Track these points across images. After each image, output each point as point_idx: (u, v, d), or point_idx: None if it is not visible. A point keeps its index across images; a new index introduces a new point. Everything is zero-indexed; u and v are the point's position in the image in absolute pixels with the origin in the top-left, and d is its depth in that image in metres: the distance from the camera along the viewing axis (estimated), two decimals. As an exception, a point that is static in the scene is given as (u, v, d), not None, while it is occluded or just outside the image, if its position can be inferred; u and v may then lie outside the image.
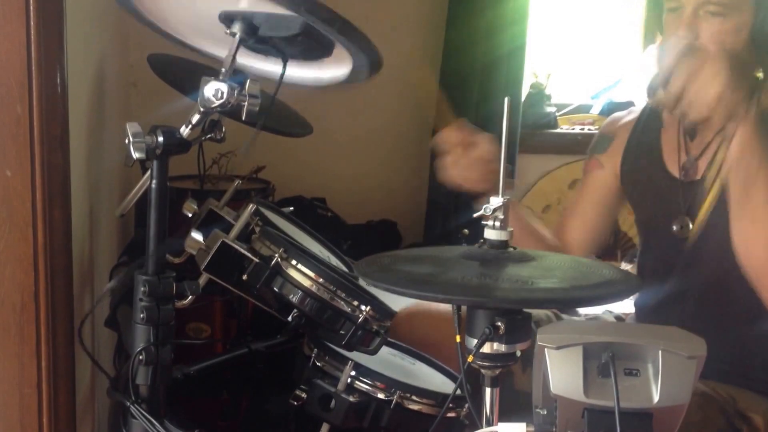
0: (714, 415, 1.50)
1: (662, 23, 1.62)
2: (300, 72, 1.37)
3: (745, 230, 1.42)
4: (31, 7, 1.18)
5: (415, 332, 1.64)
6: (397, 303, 1.68)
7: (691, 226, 1.60)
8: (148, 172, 1.30)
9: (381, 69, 1.24)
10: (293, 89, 1.42)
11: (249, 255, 1.33)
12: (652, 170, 1.70)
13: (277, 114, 1.72)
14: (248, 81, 1.24)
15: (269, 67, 1.35)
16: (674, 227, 1.62)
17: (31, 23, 1.19)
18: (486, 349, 1.10)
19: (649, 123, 1.74)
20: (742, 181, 1.41)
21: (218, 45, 1.39)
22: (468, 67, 2.65)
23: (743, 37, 1.51)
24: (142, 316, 1.27)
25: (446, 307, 1.71)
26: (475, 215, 1.15)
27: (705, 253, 1.60)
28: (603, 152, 1.81)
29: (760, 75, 1.60)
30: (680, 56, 1.50)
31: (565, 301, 1.15)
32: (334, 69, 1.31)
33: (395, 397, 1.38)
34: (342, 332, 1.34)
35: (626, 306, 2.16)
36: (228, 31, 1.23)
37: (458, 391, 1.13)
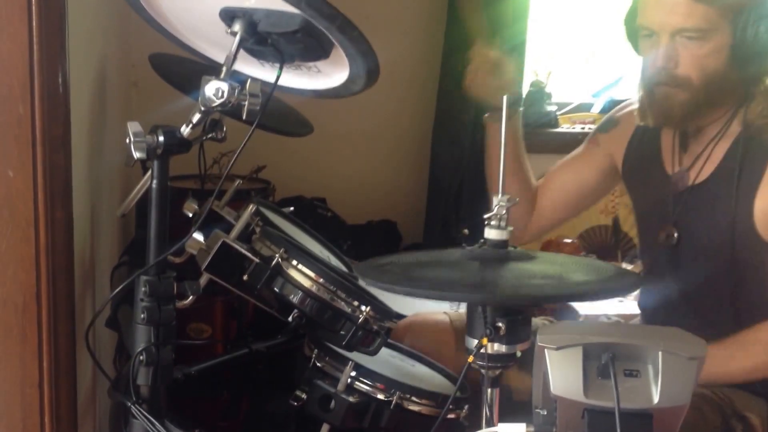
0: (711, 414, 1.50)
1: (638, 46, 1.61)
2: (296, 82, 1.37)
3: None
4: (33, 8, 1.18)
5: (414, 343, 1.65)
6: (404, 307, 1.69)
7: (676, 235, 1.60)
8: (149, 172, 1.31)
9: (377, 78, 1.23)
10: (293, 89, 1.42)
11: (249, 255, 1.33)
12: (652, 168, 1.70)
13: (278, 114, 1.72)
14: (249, 80, 1.24)
15: (265, 74, 1.35)
16: (661, 235, 1.62)
17: (33, 23, 1.19)
18: (487, 349, 1.11)
19: None
20: None
21: (215, 46, 1.39)
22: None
23: (724, 57, 1.49)
24: (143, 316, 1.27)
25: (443, 317, 1.73)
26: (485, 216, 1.16)
27: (689, 261, 1.60)
28: (604, 132, 1.82)
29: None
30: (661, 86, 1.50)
31: (605, 292, 1.19)
32: (330, 77, 1.32)
33: (395, 397, 1.38)
34: (342, 333, 1.35)
35: (625, 308, 2.17)
36: (228, 30, 1.23)
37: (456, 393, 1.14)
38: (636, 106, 1.73)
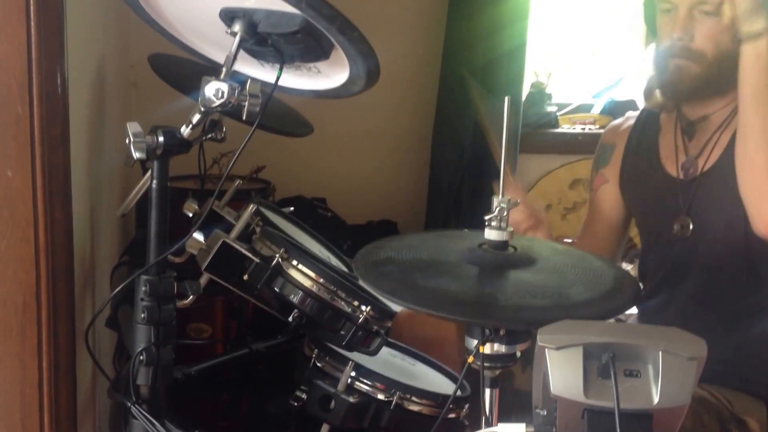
0: (709, 422, 1.50)
1: (655, 25, 1.62)
2: (296, 82, 1.37)
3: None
4: (32, 8, 1.18)
5: (416, 331, 1.65)
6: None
7: (691, 225, 1.61)
8: (149, 172, 1.31)
9: (377, 79, 1.23)
10: (293, 89, 1.42)
11: (250, 255, 1.33)
12: (651, 172, 1.70)
13: (278, 114, 1.72)
14: (249, 81, 1.24)
15: (265, 75, 1.35)
16: (674, 227, 1.62)
17: (32, 24, 1.19)
18: (486, 349, 1.11)
19: (646, 127, 1.74)
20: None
21: (215, 47, 1.39)
22: (468, 66, 2.65)
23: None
24: (143, 316, 1.27)
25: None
26: (487, 217, 1.15)
27: (703, 249, 1.60)
28: (607, 164, 1.80)
29: None
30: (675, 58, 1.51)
31: (605, 314, 1.15)
32: (330, 78, 1.32)
33: (395, 397, 1.38)
34: (342, 333, 1.35)
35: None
36: (228, 31, 1.23)
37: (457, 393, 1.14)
38: (629, 120, 1.74)
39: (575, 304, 1.10)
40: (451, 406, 1.40)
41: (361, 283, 1.36)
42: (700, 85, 1.56)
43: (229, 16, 1.23)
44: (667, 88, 1.60)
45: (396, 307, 1.43)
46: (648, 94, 1.64)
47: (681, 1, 1.53)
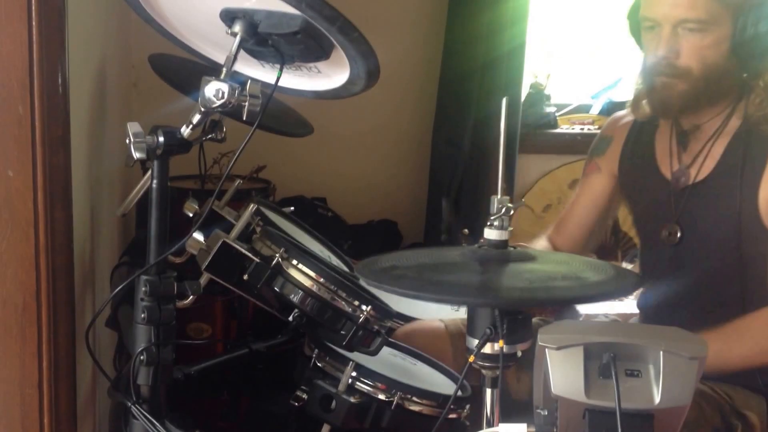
0: (710, 413, 1.51)
1: (641, 39, 1.62)
2: (296, 82, 1.37)
3: None
4: (33, 8, 1.18)
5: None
6: (405, 307, 1.69)
7: (679, 233, 1.61)
8: (149, 172, 1.31)
9: (377, 79, 1.23)
10: (294, 89, 1.41)
11: (250, 255, 1.33)
12: (647, 172, 1.70)
13: (278, 114, 1.72)
14: (249, 81, 1.24)
15: (265, 75, 1.35)
16: (663, 233, 1.63)
17: (33, 23, 1.19)
18: (487, 349, 1.11)
19: (645, 125, 1.74)
20: None
21: (216, 47, 1.39)
22: (468, 66, 2.66)
23: (724, 49, 1.51)
24: (143, 316, 1.27)
25: (439, 325, 1.73)
26: (493, 216, 1.16)
27: (693, 257, 1.61)
28: (602, 155, 1.82)
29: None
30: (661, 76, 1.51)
31: (629, 288, 1.18)
32: (330, 78, 1.32)
33: (396, 398, 1.38)
34: (343, 332, 1.34)
35: (625, 307, 2.17)
36: (229, 31, 1.23)
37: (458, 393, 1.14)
38: (626, 111, 1.74)
39: (597, 283, 1.12)
40: (452, 406, 1.40)
41: (361, 282, 1.36)
42: (688, 100, 1.56)
43: (229, 16, 1.23)
44: (656, 104, 1.60)
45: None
46: (635, 105, 1.65)
47: (665, 19, 1.52)
